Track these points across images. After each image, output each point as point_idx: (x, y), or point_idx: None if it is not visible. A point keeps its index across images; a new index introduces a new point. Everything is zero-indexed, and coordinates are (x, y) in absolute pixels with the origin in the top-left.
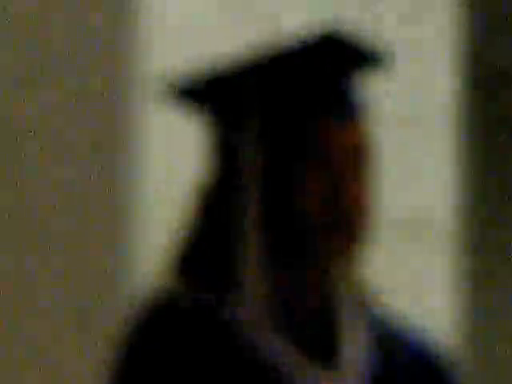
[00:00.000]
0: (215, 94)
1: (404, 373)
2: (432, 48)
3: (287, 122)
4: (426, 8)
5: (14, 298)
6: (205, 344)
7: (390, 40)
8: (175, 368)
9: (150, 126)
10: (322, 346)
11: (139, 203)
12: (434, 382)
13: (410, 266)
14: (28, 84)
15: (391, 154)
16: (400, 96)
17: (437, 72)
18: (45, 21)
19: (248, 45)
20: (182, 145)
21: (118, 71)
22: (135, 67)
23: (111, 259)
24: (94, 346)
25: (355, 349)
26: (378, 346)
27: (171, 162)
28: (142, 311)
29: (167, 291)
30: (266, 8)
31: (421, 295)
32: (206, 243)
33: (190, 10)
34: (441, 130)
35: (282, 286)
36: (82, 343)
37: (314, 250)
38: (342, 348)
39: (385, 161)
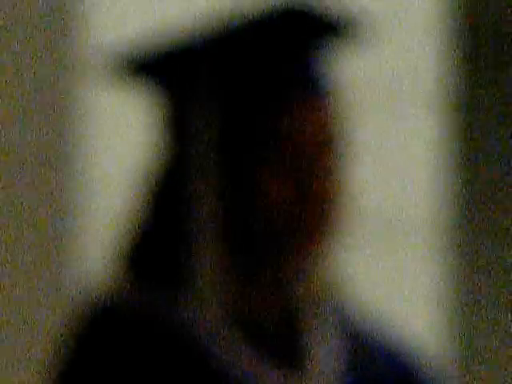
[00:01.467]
0: (167, 69)
1: (377, 374)
2: (416, 20)
3: (245, 102)
4: None
5: None
6: (155, 347)
7: (367, 11)
8: (122, 372)
9: (97, 105)
10: (286, 348)
11: (85, 192)
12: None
13: (389, 266)
14: None
15: (368, 142)
16: (378, 74)
17: (419, 50)
18: None
19: (202, 14)
20: (131, 126)
21: (63, 47)
22: (81, 42)
23: (57, 252)
24: (38, 345)
25: (322, 350)
26: (348, 347)
27: (119, 146)
28: (88, 313)
29: (114, 290)
30: None
31: (399, 295)
32: (156, 237)
33: None
34: (423, 115)
35: (242, 285)
36: (25, 343)
37: (277, 248)
38: (308, 349)
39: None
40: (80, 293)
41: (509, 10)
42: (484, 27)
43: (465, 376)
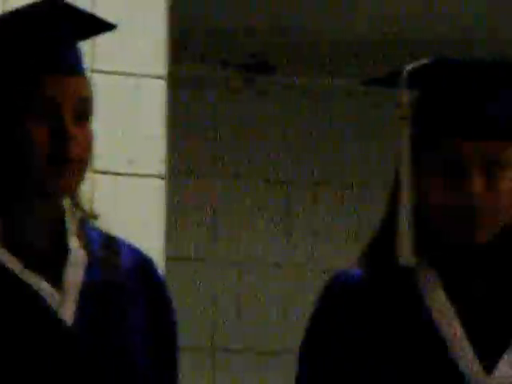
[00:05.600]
0: None
1: (123, 282)
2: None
3: (19, 76)
4: None
5: None
6: None
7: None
8: None
9: None
10: (53, 265)
11: None
12: (149, 283)
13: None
14: None
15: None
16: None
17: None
18: None
19: None
20: None
21: None
22: None
23: None
24: None
25: (76, 268)
26: (99, 263)
27: None
28: None
29: None
30: None
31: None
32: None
33: None
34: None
35: (18, 214)
36: None
37: (44, 185)
38: (66, 268)
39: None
40: None
41: None
42: None
43: None
